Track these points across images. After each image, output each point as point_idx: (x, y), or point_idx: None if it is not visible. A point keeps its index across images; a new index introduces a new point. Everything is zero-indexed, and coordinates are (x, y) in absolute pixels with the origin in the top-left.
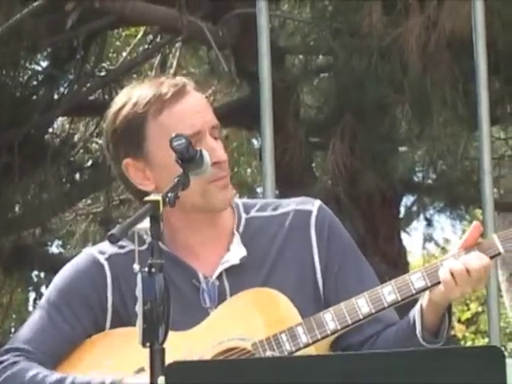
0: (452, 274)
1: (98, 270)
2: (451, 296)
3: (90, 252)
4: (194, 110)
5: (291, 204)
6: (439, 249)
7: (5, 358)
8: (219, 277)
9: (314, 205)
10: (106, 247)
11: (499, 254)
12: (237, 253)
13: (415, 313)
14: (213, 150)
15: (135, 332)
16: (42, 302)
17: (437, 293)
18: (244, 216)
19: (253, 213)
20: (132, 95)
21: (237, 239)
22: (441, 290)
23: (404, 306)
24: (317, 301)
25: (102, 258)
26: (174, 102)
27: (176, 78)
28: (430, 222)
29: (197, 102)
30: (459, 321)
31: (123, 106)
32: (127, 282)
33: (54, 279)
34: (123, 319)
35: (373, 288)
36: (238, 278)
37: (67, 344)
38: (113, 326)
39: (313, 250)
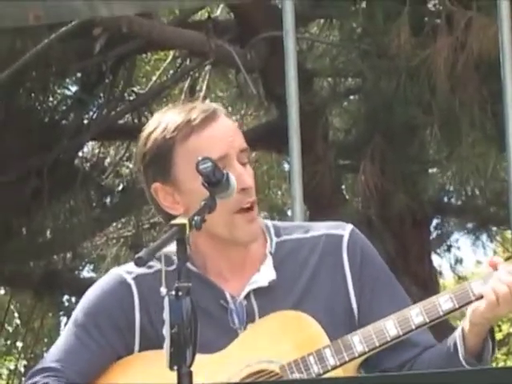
0: (496, 294)
1: (125, 290)
2: (491, 317)
3: (116, 272)
4: (222, 135)
5: (322, 228)
6: (470, 270)
7: (35, 380)
8: (247, 297)
9: (345, 229)
10: (133, 267)
11: None
12: (266, 275)
13: (456, 336)
14: (239, 176)
15: (163, 354)
16: (70, 323)
17: (477, 314)
18: (275, 239)
19: (284, 236)
20: (162, 120)
21: (269, 260)
22: (481, 312)
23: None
24: (350, 325)
25: (129, 278)
26: (202, 128)
27: (207, 104)
28: (460, 244)
29: (225, 127)
30: None
31: (153, 131)
32: (155, 302)
33: (81, 300)
34: (152, 339)
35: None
36: (268, 299)
37: (96, 364)
38: (142, 346)
39: (346, 275)
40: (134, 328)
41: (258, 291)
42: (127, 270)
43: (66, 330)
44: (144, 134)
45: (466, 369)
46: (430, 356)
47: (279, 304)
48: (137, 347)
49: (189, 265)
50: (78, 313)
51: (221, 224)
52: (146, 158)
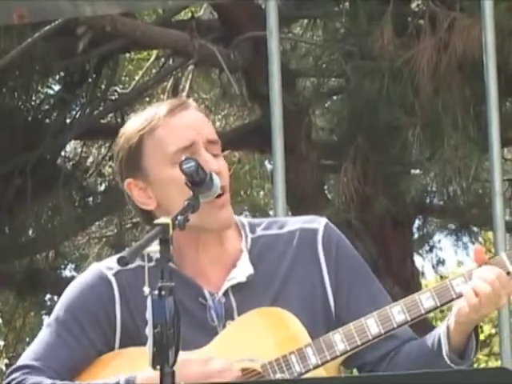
0: (476, 293)
1: (106, 285)
2: (475, 317)
3: (97, 268)
4: (188, 124)
5: (298, 222)
6: (452, 271)
7: (13, 376)
8: (226, 294)
9: (320, 223)
10: (114, 263)
11: (508, 273)
12: (244, 270)
13: (441, 333)
14: (205, 162)
15: (146, 352)
16: (50, 319)
17: (460, 313)
18: (250, 236)
19: (259, 232)
20: (134, 119)
21: (245, 256)
22: (465, 313)
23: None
24: (327, 319)
25: (109, 274)
26: (169, 118)
27: (177, 98)
28: (442, 245)
29: (193, 117)
30: None
31: (126, 130)
32: (135, 298)
33: (62, 296)
34: (133, 335)
35: (384, 304)
36: (246, 295)
37: (77, 361)
38: (123, 342)
39: (322, 269)
40: (114, 324)
41: (236, 287)
42: (108, 266)
43: (47, 326)
44: (119, 135)
45: (447, 370)
46: (410, 350)
47: (257, 300)
48: (117, 343)
49: None
50: (58, 309)
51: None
52: (119, 156)
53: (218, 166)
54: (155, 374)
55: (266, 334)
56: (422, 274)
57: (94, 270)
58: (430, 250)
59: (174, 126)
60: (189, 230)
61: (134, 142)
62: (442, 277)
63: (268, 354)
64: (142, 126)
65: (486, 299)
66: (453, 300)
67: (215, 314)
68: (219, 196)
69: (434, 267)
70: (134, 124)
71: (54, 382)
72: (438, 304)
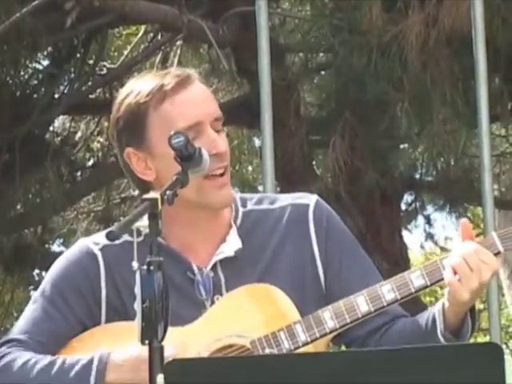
0: (454, 271)
1: (92, 260)
2: (460, 298)
3: (83, 243)
4: (196, 101)
5: (288, 198)
6: (439, 246)
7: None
8: (214, 268)
9: (311, 199)
10: (101, 238)
11: (499, 252)
12: (232, 245)
13: (435, 312)
14: (213, 142)
15: (133, 327)
16: (37, 293)
17: (449, 296)
18: (241, 210)
19: (250, 206)
20: (136, 86)
21: (233, 231)
22: (451, 293)
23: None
24: (317, 294)
25: (95, 249)
26: (176, 92)
27: (181, 69)
28: (430, 220)
29: (200, 92)
30: None
31: (127, 96)
32: (121, 273)
33: (48, 271)
34: (119, 310)
35: (374, 280)
36: (234, 270)
37: (62, 334)
38: (108, 317)
39: (312, 244)
40: (100, 298)
41: (224, 262)
42: (94, 241)
43: (33, 301)
44: (117, 100)
45: (436, 344)
46: (403, 327)
47: (245, 274)
48: (103, 318)
49: None
50: (44, 284)
51: (191, 189)
52: (119, 124)
53: (225, 146)
54: (130, 357)
55: (254, 309)
56: (410, 249)
57: (80, 245)
58: (418, 225)
59: (181, 102)
60: (184, 206)
61: (138, 112)
62: (429, 253)
63: (257, 331)
64: (148, 98)
65: (463, 275)
66: (443, 280)
67: (203, 289)
68: (222, 175)
69: (422, 243)
70: (137, 92)
71: (33, 356)
72: (428, 283)
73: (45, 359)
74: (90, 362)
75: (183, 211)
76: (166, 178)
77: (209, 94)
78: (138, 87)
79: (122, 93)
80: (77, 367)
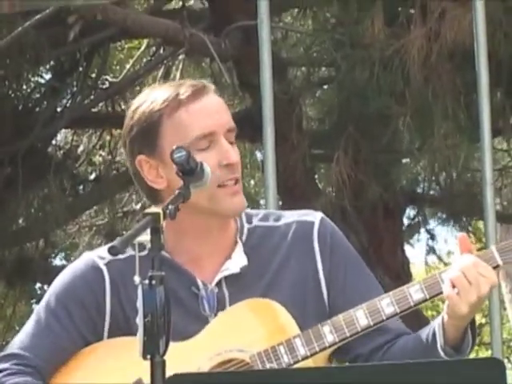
0: (453, 284)
1: (97, 274)
2: (459, 311)
3: (88, 257)
4: (210, 111)
5: (294, 215)
6: (442, 261)
7: (2, 367)
8: (219, 284)
9: (316, 217)
10: (106, 252)
11: (498, 266)
12: (238, 261)
13: (435, 326)
14: (226, 152)
15: (135, 342)
16: (40, 306)
17: (449, 310)
18: (246, 226)
19: (255, 222)
20: (151, 95)
21: (239, 248)
22: (449, 307)
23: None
24: (319, 310)
25: (101, 263)
26: (191, 102)
27: (196, 81)
28: (432, 234)
29: (214, 103)
30: None
31: (141, 104)
32: (126, 288)
33: (52, 283)
34: (122, 325)
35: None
36: (238, 286)
37: (63, 349)
38: (111, 332)
39: (316, 260)
40: (103, 313)
41: (229, 278)
42: (99, 255)
43: (36, 313)
44: (132, 107)
45: (438, 360)
46: (404, 343)
47: (249, 291)
48: (106, 333)
49: None
50: (48, 296)
51: (204, 196)
52: (132, 131)
53: (237, 158)
54: None
55: (255, 324)
56: (412, 263)
57: (85, 258)
58: (420, 239)
59: (196, 111)
60: (197, 213)
61: (152, 119)
62: (431, 267)
63: (257, 345)
64: (163, 105)
65: (462, 289)
66: (442, 293)
67: (207, 304)
68: (233, 182)
69: (424, 257)
70: (151, 101)
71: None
72: (427, 297)
73: None
74: None
75: (196, 219)
76: (177, 187)
77: (223, 105)
78: (152, 96)
79: (135, 101)
80: None
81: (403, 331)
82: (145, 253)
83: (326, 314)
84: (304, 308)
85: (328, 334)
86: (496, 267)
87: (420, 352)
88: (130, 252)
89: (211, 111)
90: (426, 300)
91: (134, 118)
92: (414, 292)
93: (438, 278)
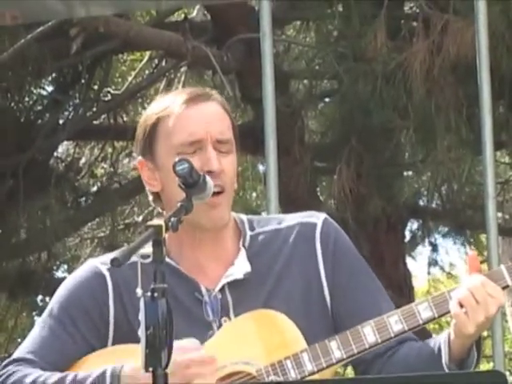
0: (460, 304)
1: (100, 280)
2: (466, 331)
3: (91, 263)
4: (200, 119)
5: (297, 217)
6: (444, 273)
7: (7, 369)
8: (222, 290)
9: (319, 218)
10: (109, 259)
11: (507, 286)
12: (241, 267)
13: (441, 342)
14: (207, 160)
15: (138, 350)
16: (45, 314)
17: (455, 329)
18: (249, 233)
19: (257, 228)
20: (162, 99)
21: (242, 254)
22: (456, 326)
23: None
24: (322, 315)
25: (103, 269)
26: (185, 107)
27: (204, 88)
28: (435, 247)
29: (209, 111)
30: None
31: (148, 110)
32: (129, 293)
33: (57, 291)
34: (126, 331)
35: (381, 299)
36: (242, 292)
37: (69, 355)
38: (116, 337)
39: (318, 264)
40: (107, 319)
41: (232, 284)
42: (102, 261)
43: (41, 321)
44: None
45: (441, 372)
46: (408, 352)
47: (252, 297)
48: (110, 338)
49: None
50: (52, 304)
51: None
52: (137, 133)
53: (218, 166)
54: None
55: (260, 336)
56: (415, 276)
57: (88, 265)
58: (423, 252)
59: (186, 118)
60: (186, 227)
61: (149, 124)
62: (434, 280)
63: (263, 358)
64: (160, 110)
65: (470, 308)
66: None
67: (211, 310)
68: (217, 194)
69: (426, 270)
70: (155, 105)
71: (43, 373)
72: (436, 315)
73: (55, 375)
74: (103, 373)
75: (189, 231)
76: (169, 191)
77: (219, 115)
78: (161, 100)
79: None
80: (90, 379)
81: (407, 336)
82: (149, 260)
83: (329, 318)
84: (308, 312)
85: (335, 349)
86: (505, 287)
87: (423, 364)
88: (133, 258)
89: (202, 119)
90: (434, 318)
91: (140, 121)
92: (422, 310)
93: (446, 296)
